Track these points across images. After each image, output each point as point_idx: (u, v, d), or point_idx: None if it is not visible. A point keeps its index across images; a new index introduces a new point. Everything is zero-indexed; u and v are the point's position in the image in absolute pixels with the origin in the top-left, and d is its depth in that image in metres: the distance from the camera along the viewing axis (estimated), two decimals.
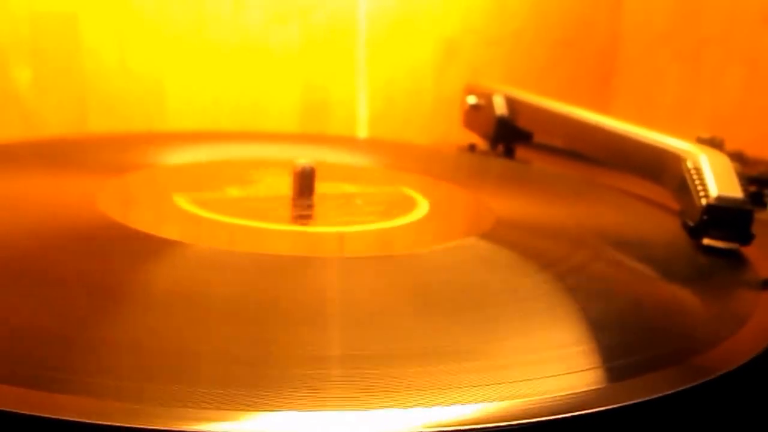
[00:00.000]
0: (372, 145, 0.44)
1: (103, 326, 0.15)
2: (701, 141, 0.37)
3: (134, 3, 0.47)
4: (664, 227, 0.26)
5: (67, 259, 0.19)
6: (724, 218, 0.23)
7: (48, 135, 0.43)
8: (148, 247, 0.20)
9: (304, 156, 0.31)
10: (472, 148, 0.45)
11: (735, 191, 0.23)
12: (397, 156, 0.39)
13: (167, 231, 0.21)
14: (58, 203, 0.24)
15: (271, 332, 0.15)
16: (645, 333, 0.17)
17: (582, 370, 0.15)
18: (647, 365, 0.15)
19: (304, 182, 0.27)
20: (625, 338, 0.17)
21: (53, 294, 0.17)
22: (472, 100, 0.44)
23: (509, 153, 0.43)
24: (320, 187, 0.27)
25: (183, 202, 0.25)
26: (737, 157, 0.38)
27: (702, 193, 0.23)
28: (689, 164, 0.25)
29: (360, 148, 0.43)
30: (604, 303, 0.19)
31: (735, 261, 0.23)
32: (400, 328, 0.16)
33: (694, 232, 0.23)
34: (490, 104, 0.43)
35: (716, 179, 0.23)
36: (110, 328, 0.15)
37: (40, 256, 0.19)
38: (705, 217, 0.23)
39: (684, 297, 0.20)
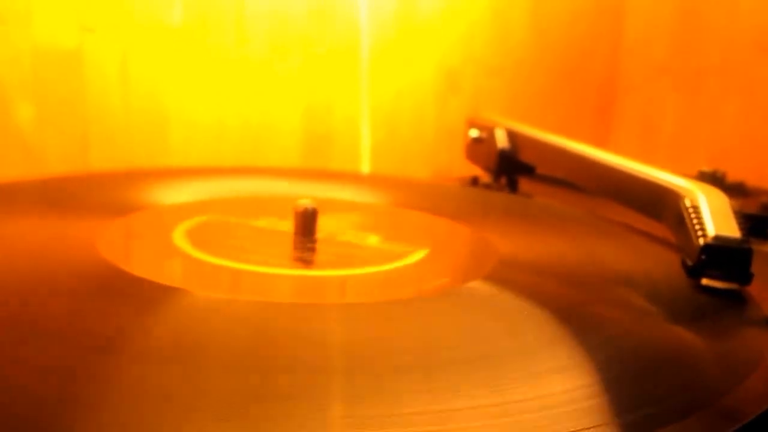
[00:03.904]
0: (375, 181, 0.45)
1: (99, 383, 0.15)
2: (703, 175, 0.38)
3: (137, 38, 0.48)
4: (668, 264, 0.26)
5: (63, 309, 0.19)
6: (723, 258, 0.23)
7: (49, 172, 0.44)
8: (148, 295, 0.20)
9: (306, 192, 0.31)
10: (474, 181, 0.46)
11: (733, 231, 0.23)
12: (401, 192, 0.39)
13: (168, 277, 0.22)
14: (57, 247, 0.24)
15: (272, 388, 0.16)
16: (656, 381, 0.17)
17: (594, 426, 0.15)
18: (662, 418, 0.15)
19: (306, 223, 0.27)
20: (636, 388, 0.17)
21: (46, 347, 0.17)
22: (474, 133, 0.45)
23: (512, 185, 0.44)
24: (322, 227, 0.28)
25: (184, 244, 0.26)
26: (738, 188, 0.39)
27: (700, 233, 0.24)
28: (687, 202, 0.25)
29: (362, 183, 0.43)
30: (613, 350, 0.19)
31: (741, 299, 0.23)
32: (404, 381, 0.16)
33: (693, 272, 0.24)
34: (492, 137, 0.43)
35: (714, 218, 0.24)
36: (107, 384, 0.15)
37: (35, 305, 0.19)
38: (703, 257, 0.23)
39: (693, 340, 0.21)
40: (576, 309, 0.22)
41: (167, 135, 0.50)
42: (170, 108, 0.50)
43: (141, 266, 0.22)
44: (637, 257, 0.29)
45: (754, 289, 0.24)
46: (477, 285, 0.23)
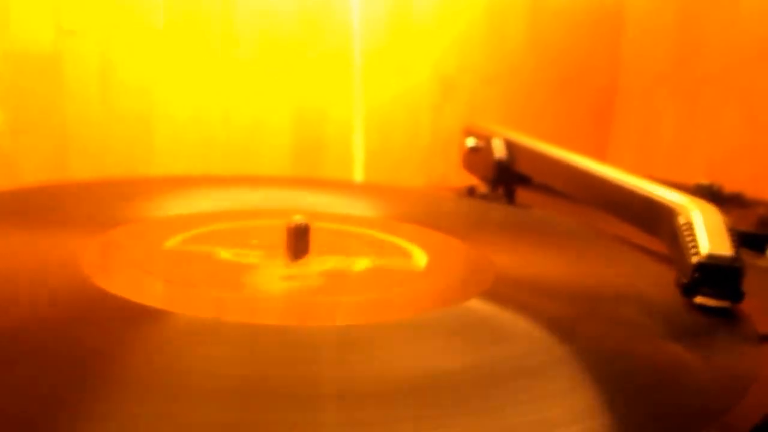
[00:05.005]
0: (368, 191, 0.45)
1: (78, 408, 0.15)
2: (699, 188, 0.39)
3: (120, 40, 0.47)
4: (664, 281, 0.27)
5: (42, 330, 0.19)
6: (715, 276, 0.24)
7: (26, 182, 0.43)
8: (131, 317, 0.20)
9: (298, 203, 0.32)
10: (471, 191, 0.47)
11: (726, 249, 0.24)
12: (395, 203, 0.40)
13: (153, 298, 0.22)
14: (36, 263, 0.24)
15: (261, 415, 0.16)
16: (650, 400, 0.18)
17: None
18: None
19: (298, 240, 0.28)
20: (630, 406, 0.17)
21: (23, 369, 0.17)
22: (471, 142, 0.46)
23: (509, 195, 0.45)
24: (314, 242, 0.28)
25: (170, 262, 0.26)
26: (736, 200, 0.40)
27: (693, 251, 0.25)
28: (681, 219, 0.26)
29: (356, 194, 0.44)
30: (612, 370, 0.20)
31: (733, 317, 0.24)
32: (399, 408, 0.17)
33: (687, 290, 0.25)
34: (489, 147, 0.44)
35: (708, 236, 0.25)
36: (86, 411, 0.15)
37: (12, 326, 0.19)
38: (696, 275, 0.24)
39: (686, 358, 0.21)
40: (572, 327, 0.23)
41: (151, 142, 0.50)
42: (154, 114, 0.49)
43: (124, 286, 0.23)
44: (633, 273, 0.30)
45: (753, 306, 0.25)
46: (474, 303, 0.24)
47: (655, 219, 0.29)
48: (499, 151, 0.44)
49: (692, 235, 0.25)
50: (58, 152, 0.47)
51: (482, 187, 0.46)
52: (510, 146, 0.44)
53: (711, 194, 0.33)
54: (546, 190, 0.46)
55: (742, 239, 0.25)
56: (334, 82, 0.55)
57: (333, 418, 0.16)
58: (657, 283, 0.28)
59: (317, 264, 0.28)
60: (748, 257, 0.26)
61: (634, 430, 0.16)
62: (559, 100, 0.65)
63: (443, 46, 0.59)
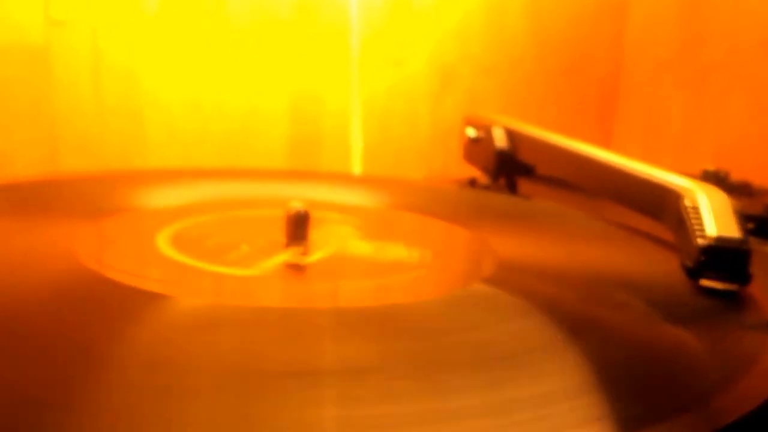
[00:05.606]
0: (368, 183, 0.46)
1: (80, 392, 0.16)
2: (706, 174, 0.39)
3: (110, 30, 0.47)
4: (668, 266, 0.28)
5: (42, 317, 0.19)
6: (722, 259, 0.24)
7: (16, 176, 0.43)
8: (131, 302, 0.21)
9: (296, 195, 0.32)
10: (472, 182, 0.47)
11: (733, 231, 0.25)
12: (395, 194, 0.41)
13: (152, 283, 0.22)
14: (33, 254, 0.25)
15: (260, 397, 0.16)
16: (654, 379, 0.18)
17: (593, 421, 0.16)
18: (660, 414, 0.16)
19: (298, 227, 0.28)
20: (635, 386, 0.18)
21: (24, 356, 0.17)
22: (471, 132, 0.46)
23: (511, 187, 0.45)
24: (314, 231, 0.28)
25: (168, 249, 0.26)
26: (744, 188, 0.41)
27: (699, 233, 0.25)
28: (687, 202, 0.27)
29: (355, 185, 0.44)
30: (613, 350, 0.20)
31: (740, 300, 0.24)
32: (400, 388, 0.17)
33: (693, 273, 0.25)
34: (490, 137, 0.45)
35: (714, 219, 0.25)
36: (89, 394, 0.15)
37: (12, 314, 0.20)
38: (702, 258, 0.24)
39: (691, 340, 0.22)
40: (575, 310, 0.23)
41: (144, 134, 0.50)
42: (147, 104, 0.49)
43: (123, 272, 0.23)
44: (636, 259, 0.30)
45: (760, 291, 0.25)
46: (476, 288, 0.24)
47: (659, 203, 0.29)
48: (500, 140, 0.44)
49: (698, 217, 0.26)
50: (49, 145, 0.47)
51: (483, 179, 0.46)
52: (511, 135, 0.44)
53: (717, 181, 0.34)
54: (548, 182, 0.46)
55: (748, 223, 0.26)
56: (331, 71, 0.55)
57: (334, 391, 0.16)
58: (660, 268, 0.28)
59: (316, 250, 0.28)
60: (755, 244, 0.26)
61: (630, 407, 0.17)
62: (562, 90, 0.65)
63: (442, 33, 0.59)
